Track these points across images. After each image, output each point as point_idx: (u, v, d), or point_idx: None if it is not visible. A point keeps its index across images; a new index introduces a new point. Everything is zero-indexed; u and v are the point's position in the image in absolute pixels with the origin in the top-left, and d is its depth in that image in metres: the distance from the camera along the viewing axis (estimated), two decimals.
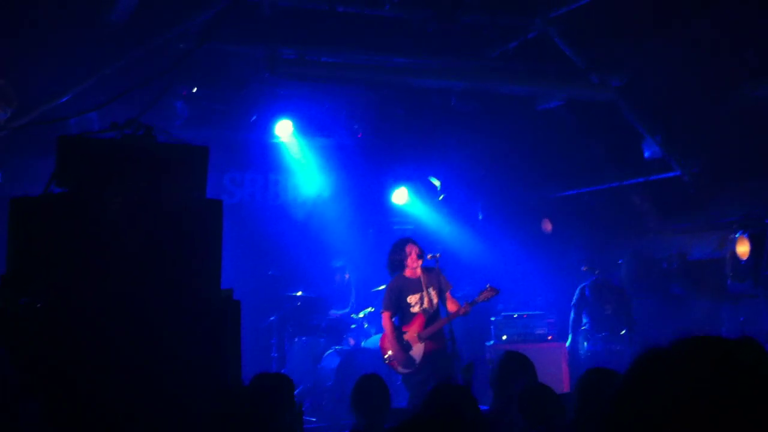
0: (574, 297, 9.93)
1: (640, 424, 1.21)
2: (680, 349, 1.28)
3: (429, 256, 8.01)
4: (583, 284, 9.92)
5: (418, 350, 7.79)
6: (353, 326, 10.54)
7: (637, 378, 1.28)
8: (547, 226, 11.55)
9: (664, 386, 1.22)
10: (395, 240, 8.20)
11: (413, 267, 7.86)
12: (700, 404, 1.16)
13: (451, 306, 7.84)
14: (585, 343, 9.67)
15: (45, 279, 3.58)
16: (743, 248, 8.39)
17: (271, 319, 10.57)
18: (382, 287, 10.07)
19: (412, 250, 7.87)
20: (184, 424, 3.52)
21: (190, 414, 3.54)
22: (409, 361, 7.77)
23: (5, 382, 2.47)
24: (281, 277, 10.96)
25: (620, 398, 1.27)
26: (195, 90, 9.12)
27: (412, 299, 7.88)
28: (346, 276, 11.26)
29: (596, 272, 9.58)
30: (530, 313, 10.50)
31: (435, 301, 7.84)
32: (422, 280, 7.85)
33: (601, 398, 3.70)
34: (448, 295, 7.90)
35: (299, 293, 10.74)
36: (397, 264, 7.95)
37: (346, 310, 10.84)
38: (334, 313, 10.80)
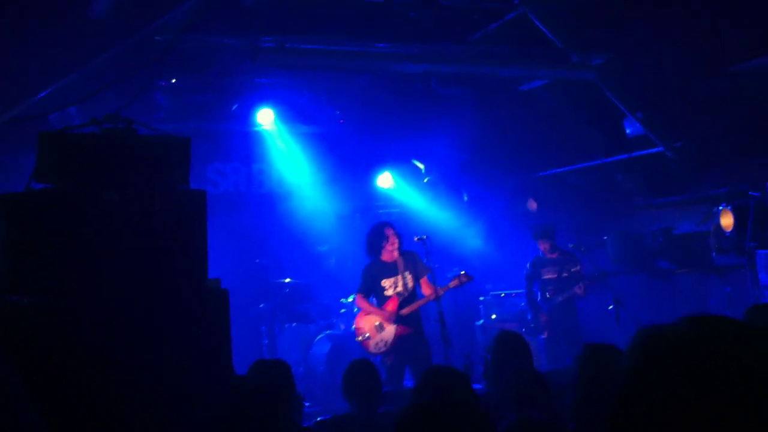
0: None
1: (647, 423, 1.15)
2: (687, 338, 1.19)
3: (416, 239, 8.09)
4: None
5: (389, 333, 7.88)
6: (343, 311, 10.56)
7: (642, 371, 1.19)
8: (533, 205, 11.59)
9: (673, 383, 1.14)
10: (372, 226, 8.27)
11: (391, 250, 7.93)
12: (712, 401, 1.11)
13: (427, 290, 7.91)
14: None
15: (32, 275, 3.56)
16: (727, 221, 8.45)
17: (261, 306, 10.58)
18: None
19: (389, 234, 7.96)
20: (181, 418, 3.52)
21: (186, 407, 3.54)
22: (380, 342, 7.90)
23: (2, 380, 2.46)
24: (269, 264, 10.97)
25: (624, 395, 1.20)
26: (174, 81, 9.05)
27: (386, 283, 7.97)
28: (333, 261, 11.29)
29: (582, 249, 9.58)
30: (519, 291, 10.56)
31: (411, 285, 7.93)
32: (399, 264, 7.92)
33: (601, 375, 3.71)
34: (424, 279, 7.96)
35: (287, 280, 10.76)
36: (375, 247, 8.03)
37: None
38: (322, 300, 10.84)
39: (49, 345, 3.41)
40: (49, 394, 3.30)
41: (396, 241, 7.91)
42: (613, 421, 1.21)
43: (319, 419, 5.26)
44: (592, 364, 3.83)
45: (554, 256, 9.50)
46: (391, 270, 7.97)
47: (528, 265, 9.72)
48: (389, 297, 7.94)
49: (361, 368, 5.17)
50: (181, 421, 3.54)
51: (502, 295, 10.64)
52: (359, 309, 8.24)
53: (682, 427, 1.12)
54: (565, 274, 9.32)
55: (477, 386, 5.15)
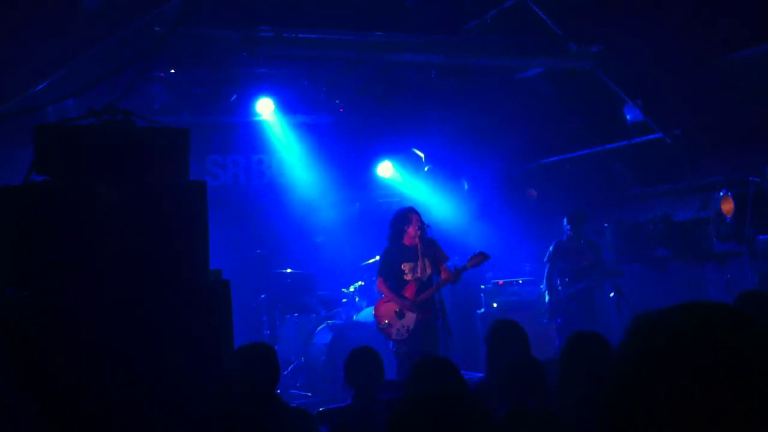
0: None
1: (648, 418, 1.12)
2: (688, 329, 1.15)
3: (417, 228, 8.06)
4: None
5: (410, 319, 7.84)
6: (344, 300, 10.57)
7: (641, 365, 1.16)
8: (533, 194, 11.59)
9: (674, 376, 1.12)
10: (397, 210, 8.26)
11: (412, 235, 7.89)
12: (716, 395, 1.09)
13: (444, 277, 7.89)
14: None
15: (30, 269, 3.56)
16: (728, 206, 8.43)
17: (261, 297, 10.58)
18: (372, 261, 10.15)
19: (413, 218, 7.92)
20: (183, 411, 3.53)
21: (188, 400, 3.55)
22: (401, 329, 7.86)
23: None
24: (269, 255, 10.96)
25: (621, 389, 1.17)
26: (173, 72, 9.02)
27: (406, 267, 7.93)
28: (333, 251, 11.31)
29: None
30: (520, 279, 10.55)
31: (429, 271, 7.89)
32: (419, 249, 7.88)
33: (583, 362, 3.71)
34: (443, 266, 7.94)
35: (288, 270, 10.76)
36: (397, 231, 7.99)
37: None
38: (323, 290, 10.86)
39: (46, 339, 3.41)
40: (45, 388, 3.30)
41: (418, 225, 7.85)
42: (612, 416, 1.18)
43: (322, 409, 5.27)
44: (576, 353, 3.85)
45: (578, 243, 9.47)
46: (411, 254, 7.91)
47: (550, 247, 9.57)
48: (408, 281, 7.90)
49: (363, 357, 5.19)
50: (184, 413, 3.54)
51: (501, 283, 10.63)
52: (380, 293, 8.19)
53: (685, 422, 1.10)
54: (585, 263, 9.29)
55: (474, 375, 5.17)
